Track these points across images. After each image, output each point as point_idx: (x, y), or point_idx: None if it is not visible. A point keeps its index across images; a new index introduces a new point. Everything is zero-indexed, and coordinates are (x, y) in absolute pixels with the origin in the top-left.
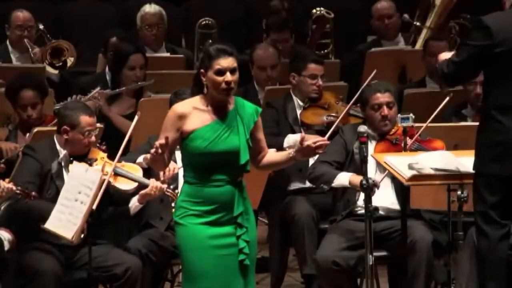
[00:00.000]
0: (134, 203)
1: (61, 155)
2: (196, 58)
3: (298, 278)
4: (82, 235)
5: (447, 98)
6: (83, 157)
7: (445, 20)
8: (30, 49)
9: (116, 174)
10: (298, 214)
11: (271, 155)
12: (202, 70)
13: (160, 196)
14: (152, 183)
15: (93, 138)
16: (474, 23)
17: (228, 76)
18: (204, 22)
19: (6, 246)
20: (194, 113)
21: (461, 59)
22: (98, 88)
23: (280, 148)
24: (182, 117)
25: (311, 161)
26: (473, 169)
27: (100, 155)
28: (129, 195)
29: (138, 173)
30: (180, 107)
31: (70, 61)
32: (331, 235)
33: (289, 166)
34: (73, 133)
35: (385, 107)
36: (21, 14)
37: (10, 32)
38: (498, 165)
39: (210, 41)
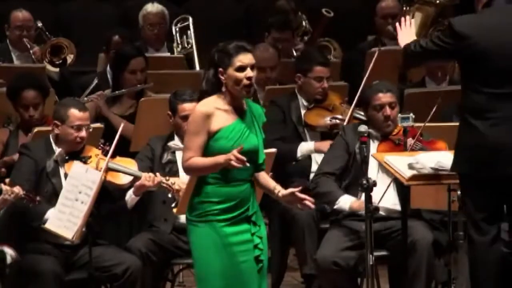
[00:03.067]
0: (130, 196)
1: (56, 153)
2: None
3: (299, 277)
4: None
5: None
6: (78, 154)
7: (427, 31)
8: (29, 48)
9: (110, 169)
10: (298, 214)
11: (263, 176)
12: (220, 69)
13: (162, 198)
14: (145, 174)
15: (83, 133)
16: (446, 24)
17: (249, 72)
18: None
19: (9, 260)
20: (217, 112)
21: (427, 47)
22: (100, 92)
23: (293, 159)
24: (209, 117)
25: (314, 163)
26: (450, 169)
27: (95, 152)
28: (125, 189)
29: (132, 166)
30: (204, 107)
31: (70, 58)
32: (332, 235)
33: (290, 165)
34: (63, 127)
35: (387, 107)
36: (20, 14)
37: (9, 32)
38: (472, 167)
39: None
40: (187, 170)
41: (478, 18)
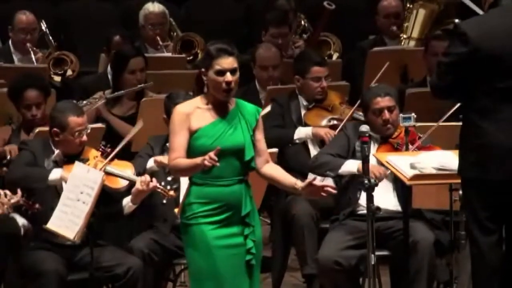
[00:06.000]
0: (127, 203)
1: (55, 154)
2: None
3: (300, 277)
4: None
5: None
6: (76, 157)
7: (430, 29)
8: (32, 54)
9: (107, 173)
10: (297, 214)
11: (279, 172)
12: (203, 69)
13: (162, 198)
14: (140, 178)
15: (84, 138)
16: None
17: (228, 77)
18: None
19: (21, 223)
20: (197, 112)
21: (442, 72)
22: (100, 93)
23: (290, 141)
24: (188, 116)
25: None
26: (457, 172)
27: (93, 154)
28: (121, 193)
29: (129, 170)
30: (183, 107)
31: (70, 72)
32: (333, 234)
33: (290, 164)
34: (64, 135)
35: (386, 112)
36: (24, 17)
37: (13, 35)
38: (479, 169)
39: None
40: (172, 171)
41: (486, 20)
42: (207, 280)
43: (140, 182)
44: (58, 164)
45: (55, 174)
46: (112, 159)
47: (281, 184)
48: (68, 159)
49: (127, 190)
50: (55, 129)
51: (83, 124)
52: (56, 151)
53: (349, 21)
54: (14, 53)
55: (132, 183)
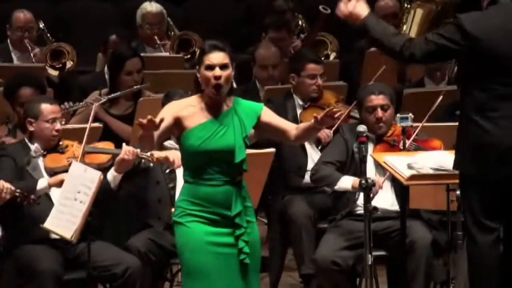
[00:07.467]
0: (112, 174)
1: (32, 149)
2: None
3: (298, 277)
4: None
5: (441, 97)
6: (54, 148)
7: (428, 28)
8: (30, 50)
9: (88, 152)
10: (295, 214)
11: (300, 128)
12: (197, 67)
13: (157, 196)
14: (124, 147)
15: (58, 126)
16: (452, 19)
17: (217, 71)
18: None
19: None
20: (189, 111)
21: (429, 47)
22: (97, 92)
23: None
24: (179, 109)
25: (310, 161)
26: (453, 168)
27: (71, 142)
28: (106, 169)
29: (110, 147)
30: (176, 103)
31: (69, 63)
32: (331, 234)
33: (287, 164)
34: (38, 123)
35: (379, 110)
36: (22, 15)
37: (11, 33)
38: (478, 167)
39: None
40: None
41: (485, 16)
42: (199, 279)
43: (124, 151)
44: (37, 158)
45: (42, 183)
46: (91, 142)
47: (307, 134)
48: (47, 152)
49: (111, 166)
50: (29, 119)
51: (56, 112)
52: (34, 145)
53: (346, 22)
54: (13, 52)
55: (115, 158)
